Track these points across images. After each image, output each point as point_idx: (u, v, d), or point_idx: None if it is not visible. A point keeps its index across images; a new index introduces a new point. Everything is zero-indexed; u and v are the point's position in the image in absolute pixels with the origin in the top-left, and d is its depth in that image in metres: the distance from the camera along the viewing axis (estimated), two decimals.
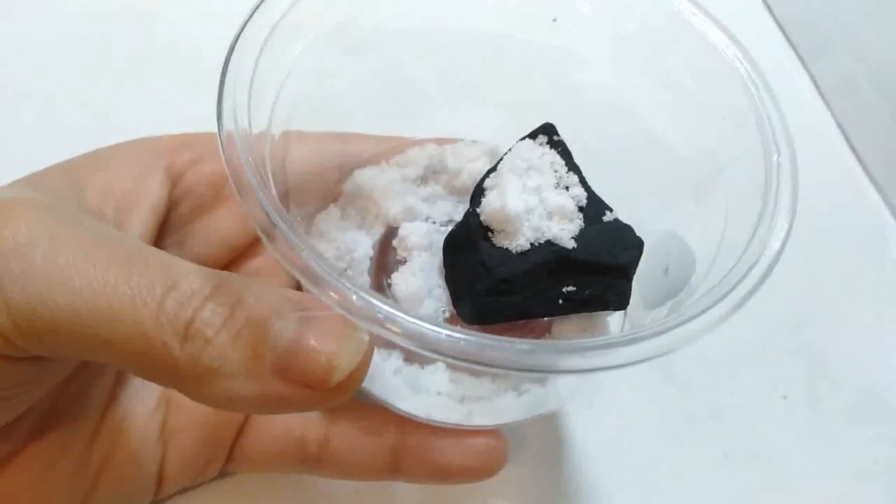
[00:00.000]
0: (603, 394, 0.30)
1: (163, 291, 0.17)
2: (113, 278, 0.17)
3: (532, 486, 0.28)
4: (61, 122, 0.34)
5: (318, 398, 0.17)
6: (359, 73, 0.25)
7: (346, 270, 0.24)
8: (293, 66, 0.22)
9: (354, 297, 0.15)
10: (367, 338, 0.17)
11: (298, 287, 0.24)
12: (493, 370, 0.15)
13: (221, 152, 0.18)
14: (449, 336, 0.15)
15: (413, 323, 0.15)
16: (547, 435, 0.29)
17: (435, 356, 0.15)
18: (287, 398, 0.17)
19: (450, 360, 0.15)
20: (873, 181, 0.40)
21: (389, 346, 0.23)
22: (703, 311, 0.17)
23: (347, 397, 0.17)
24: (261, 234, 0.17)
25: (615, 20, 0.24)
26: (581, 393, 0.29)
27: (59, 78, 0.36)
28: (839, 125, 0.42)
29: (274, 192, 0.19)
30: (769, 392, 0.32)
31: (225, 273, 0.18)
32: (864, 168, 0.40)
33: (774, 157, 0.20)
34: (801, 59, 0.45)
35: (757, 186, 0.19)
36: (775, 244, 0.18)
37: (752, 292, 0.17)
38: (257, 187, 0.17)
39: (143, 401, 0.23)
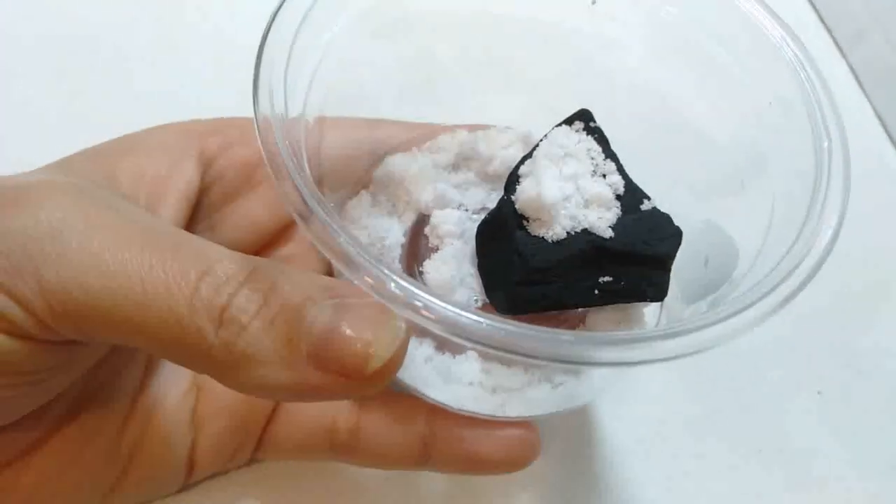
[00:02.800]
0: (634, 388, 0.30)
1: (197, 276, 0.17)
2: (147, 263, 0.17)
3: (560, 479, 0.27)
4: (91, 106, 0.34)
5: (353, 387, 0.17)
6: (389, 58, 0.25)
7: None
8: (326, 51, 0.22)
9: (392, 285, 0.15)
10: (403, 325, 0.17)
11: (330, 274, 0.24)
12: (532, 361, 0.15)
13: (258, 136, 0.18)
14: (489, 325, 0.15)
15: (452, 311, 0.15)
16: (575, 428, 0.29)
17: (472, 345, 0.15)
18: (321, 386, 0.17)
19: (487, 350, 0.15)
20: None
21: (421, 334, 0.23)
22: (746, 308, 0.16)
23: (383, 386, 0.17)
24: (296, 218, 0.17)
25: (655, 2, 0.23)
26: (613, 387, 0.29)
27: (89, 62, 0.36)
28: (878, 114, 0.41)
29: (309, 176, 0.19)
30: (802, 388, 0.31)
31: (259, 259, 0.18)
32: None
33: (825, 144, 0.19)
34: (839, 47, 0.44)
35: (806, 177, 0.19)
36: (824, 239, 0.17)
37: (798, 289, 0.17)
38: (294, 171, 0.17)
39: (173, 387, 0.23)
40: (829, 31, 0.45)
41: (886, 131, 0.41)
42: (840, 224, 0.18)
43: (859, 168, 0.37)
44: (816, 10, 0.46)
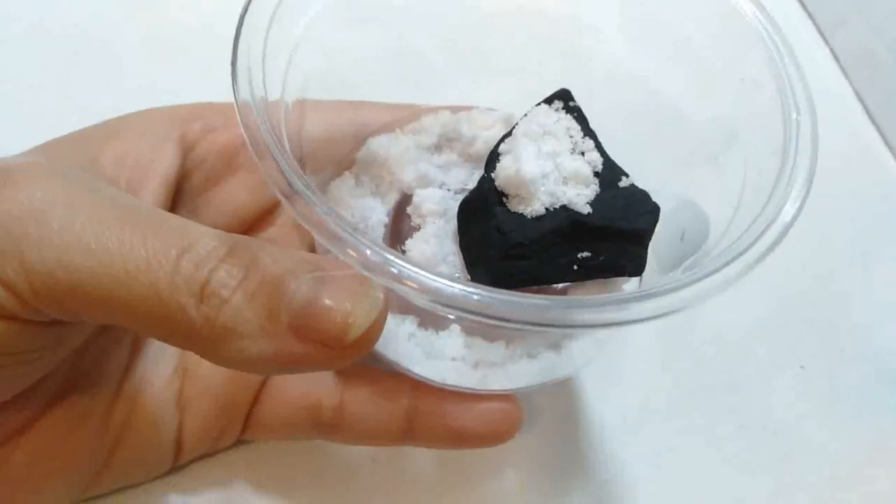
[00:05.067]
0: (618, 365, 0.30)
1: (178, 253, 0.17)
2: (128, 241, 0.17)
3: (546, 455, 0.28)
4: (76, 99, 0.34)
5: (334, 356, 0.17)
6: (369, 43, 0.25)
7: None
8: (304, 36, 0.22)
9: (370, 253, 0.15)
10: (381, 296, 0.17)
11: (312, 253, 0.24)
12: (507, 325, 0.15)
13: (239, 118, 0.18)
14: (463, 290, 0.15)
15: (428, 277, 0.15)
16: (561, 405, 0.29)
17: (448, 311, 0.15)
18: (303, 356, 0.17)
19: (463, 315, 0.15)
20: (894, 154, 0.39)
21: (404, 311, 0.23)
22: (716, 270, 0.17)
23: (363, 355, 0.17)
24: (279, 195, 0.17)
25: None
26: (595, 362, 0.29)
27: (74, 56, 0.36)
28: (859, 97, 0.42)
29: (291, 156, 0.19)
30: (785, 364, 0.31)
31: (239, 236, 0.18)
32: (885, 140, 0.40)
33: (794, 116, 0.19)
34: (820, 31, 0.44)
35: (775, 149, 0.19)
36: (792, 206, 0.18)
37: (766, 253, 0.17)
38: (275, 150, 0.17)
39: (159, 369, 0.24)
40: (810, 15, 0.45)
41: (868, 115, 0.41)
42: (805, 195, 0.18)
43: (841, 149, 0.38)
44: None
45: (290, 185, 0.17)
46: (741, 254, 0.17)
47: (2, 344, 0.18)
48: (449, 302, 0.15)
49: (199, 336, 0.17)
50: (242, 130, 0.18)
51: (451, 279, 0.15)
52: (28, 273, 0.17)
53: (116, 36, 0.37)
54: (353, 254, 0.16)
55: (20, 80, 0.35)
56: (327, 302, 0.17)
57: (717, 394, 0.30)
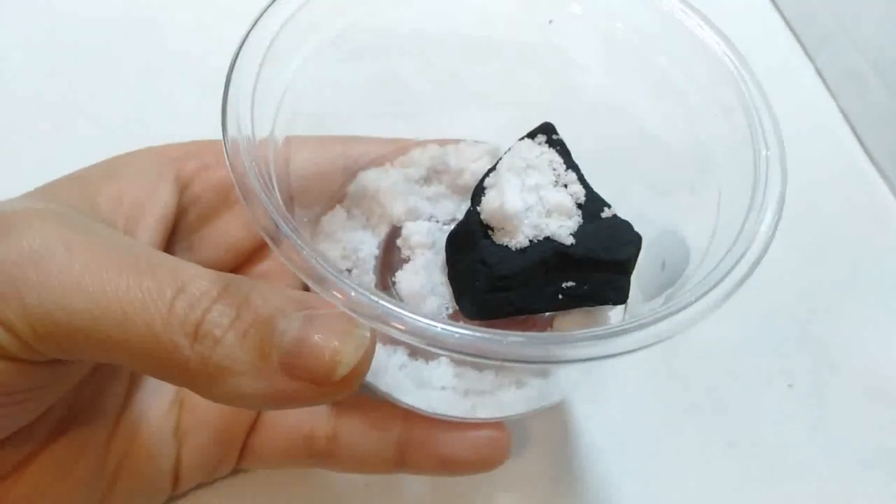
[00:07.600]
0: (607, 387, 0.30)
1: (172, 294, 0.18)
2: (125, 283, 0.18)
3: (538, 478, 0.28)
4: (73, 132, 0.35)
5: (324, 392, 0.18)
6: (359, 78, 0.26)
7: (351, 270, 0.25)
8: (295, 74, 0.23)
9: (353, 294, 0.16)
10: (368, 334, 0.18)
11: (305, 289, 0.25)
12: (486, 361, 0.16)
13: (227, 160, 0.18)
14: (444, 329, 0.16)
15: (410, 318, 0.16)
16: (552, 428, 0.29)
17: (432, 349, 0.16)
18: (294, 393, 0.17)
19: (446, 353, 0.16)
20: (880, 171, 0.40)
21: (394, 342, 0.24)
22: (694, 301, 0.17)
23: (352, 391, 0.18)
24: (266, 238, 0.17)
25: (607, 21, 0.24)
26: (585, 386, 0.30)
27: (70, 88, 0.37)
28: (845, 116, 0.42)
29: (278, 196, 0.19)
30: (773, 382, 0.32)
31: (232, 275, 0.19)
32: (871, 158, 0.41)
33: (763, 152, 0.20)
34: (805, 50, 0.45)
35: (746, 180, 0.20)
36: (764, 235, 0.19)
37: (741, 281, 0.18)
38: (261, 192, 0.18)
39: (156, 402, 0.24)
40: (795, 34, 0.46)
41: (853, 131, 0.42)
42: (776, 224, 0.19)
43: (827, 168, 0.39)
44: (782, 15, 0.47)
45: (276, 227, 0.17)
46: (717, 284, 0.18)
47: (3, 384, 0.18)
48: (432, 342, 0.16)
49: (194, 374, 0.18)
50: (230, 172, 0.18)
51: (434, 319, 0.16)
52: (29, 316, 0.17)
53: (113, 72, 0.38)
54: (339, 295, 0.16)
55: (15, 118, 0.35)
56: (315, 340, 0.17)
57: (706, 413, 0.31)
